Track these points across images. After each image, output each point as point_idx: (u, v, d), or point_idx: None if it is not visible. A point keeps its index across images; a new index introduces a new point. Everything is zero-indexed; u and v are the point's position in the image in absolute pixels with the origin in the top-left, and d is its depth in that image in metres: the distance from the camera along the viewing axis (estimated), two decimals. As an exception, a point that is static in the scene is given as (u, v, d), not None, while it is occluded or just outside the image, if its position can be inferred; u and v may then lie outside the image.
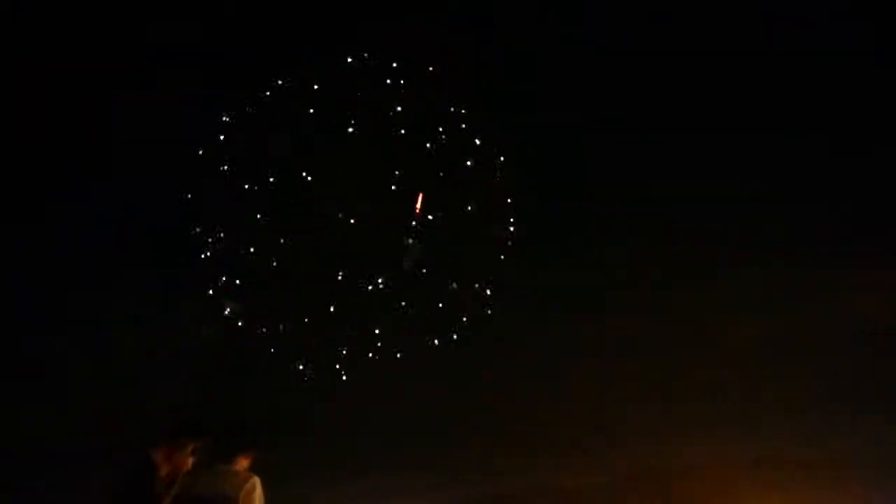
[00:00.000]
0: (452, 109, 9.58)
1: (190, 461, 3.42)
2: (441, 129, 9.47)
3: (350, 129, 9.14)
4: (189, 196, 9.97)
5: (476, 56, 10.20)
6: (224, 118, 9.56)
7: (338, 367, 11.09)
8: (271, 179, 9.46)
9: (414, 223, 9.43)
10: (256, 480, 3.41)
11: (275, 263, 9.56)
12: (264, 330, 11.28)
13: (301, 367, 11.30)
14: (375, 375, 11.32)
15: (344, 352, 9.82)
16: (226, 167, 9.49)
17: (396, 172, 9.20)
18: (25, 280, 10.00)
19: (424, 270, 9.49)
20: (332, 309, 9.42)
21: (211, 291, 10.08)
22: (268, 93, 9.70)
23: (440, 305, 9.58)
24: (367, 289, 9.41)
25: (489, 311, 9.80)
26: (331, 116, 9.45)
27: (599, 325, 11.26)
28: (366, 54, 9.38)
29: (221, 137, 9.40)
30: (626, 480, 8.89)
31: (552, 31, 10.98)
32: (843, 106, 11.14)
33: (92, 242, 10.25)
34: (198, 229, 9.61)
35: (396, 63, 9.36)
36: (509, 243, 9.97)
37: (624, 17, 11.09)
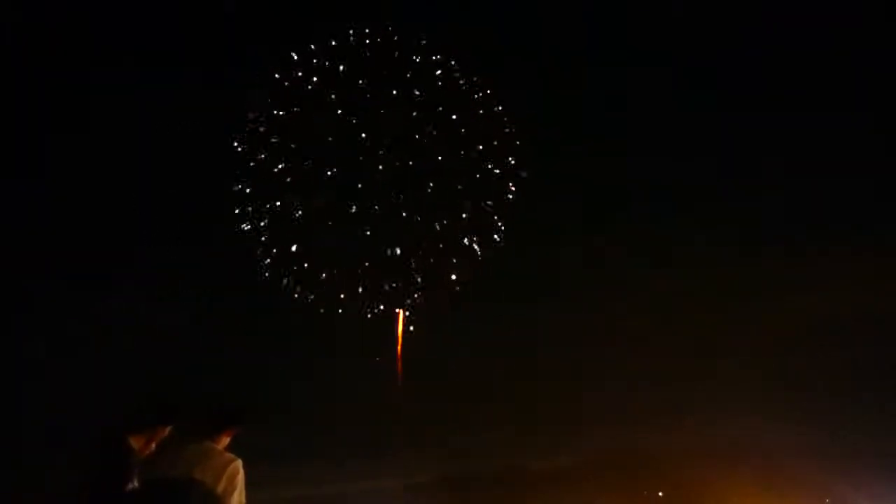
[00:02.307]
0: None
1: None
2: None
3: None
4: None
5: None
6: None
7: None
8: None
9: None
10: (239, 464, 3.30)
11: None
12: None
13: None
14: (348, 363, 11.26)
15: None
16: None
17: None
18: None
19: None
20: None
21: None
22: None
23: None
24: None
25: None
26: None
27: (575, 310, 11.35)
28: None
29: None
30: (595, 463, 8.98)
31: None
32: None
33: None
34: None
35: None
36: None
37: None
